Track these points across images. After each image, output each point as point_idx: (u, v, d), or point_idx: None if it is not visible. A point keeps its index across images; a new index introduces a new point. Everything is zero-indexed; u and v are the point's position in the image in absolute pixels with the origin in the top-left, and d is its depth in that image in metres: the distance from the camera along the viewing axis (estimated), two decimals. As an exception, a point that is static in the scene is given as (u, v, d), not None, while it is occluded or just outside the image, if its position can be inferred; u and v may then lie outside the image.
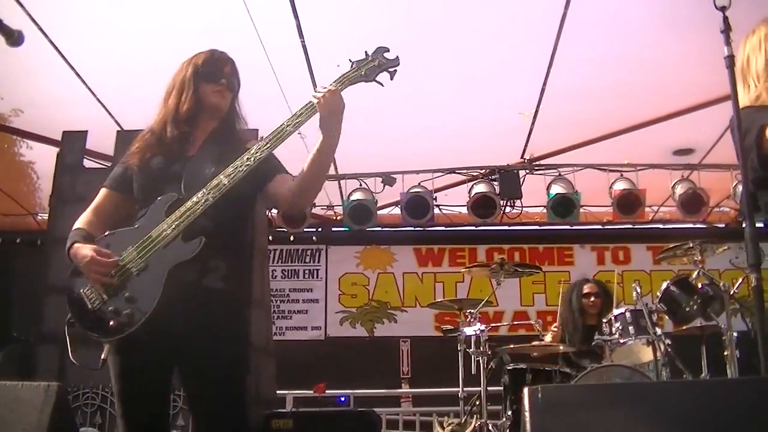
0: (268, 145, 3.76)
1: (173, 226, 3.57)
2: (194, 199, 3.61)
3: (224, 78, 4.00)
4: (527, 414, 2.58)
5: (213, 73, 3.99)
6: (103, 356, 3.63)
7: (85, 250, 3.63)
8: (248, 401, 3.91)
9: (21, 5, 7.54)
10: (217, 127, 4.05)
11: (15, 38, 3.32)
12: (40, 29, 7.92)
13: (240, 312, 3.85)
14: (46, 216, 10.32)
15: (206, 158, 3.85)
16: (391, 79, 3.97)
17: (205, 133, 4.02)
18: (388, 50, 3.98)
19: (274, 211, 11.46)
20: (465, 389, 7.82)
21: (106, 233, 3.79)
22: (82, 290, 3.63)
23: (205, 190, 3.62)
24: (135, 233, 3.67)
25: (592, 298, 8.28)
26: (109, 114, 9.14)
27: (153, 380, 3.62)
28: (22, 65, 8.11)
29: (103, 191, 4.05)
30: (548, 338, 8.45)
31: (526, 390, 2.63)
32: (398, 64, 3.96)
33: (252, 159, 3.70)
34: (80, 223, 3.92)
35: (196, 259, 3.55)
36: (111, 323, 3.52)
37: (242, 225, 4.02)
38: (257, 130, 8.45)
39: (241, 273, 3.91)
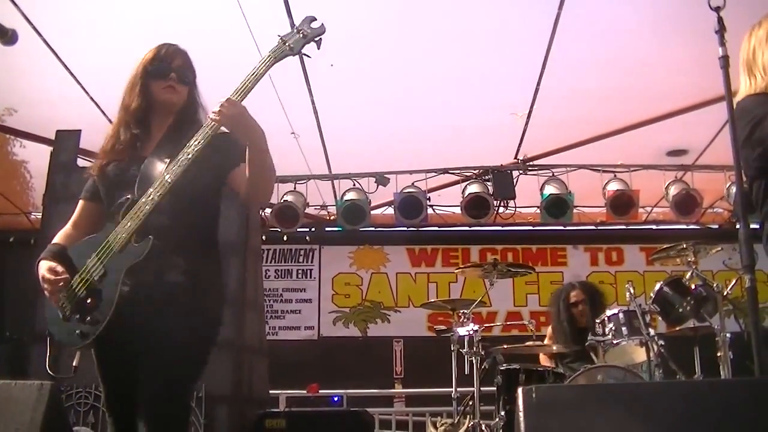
0: (199, 141, 3.63)
1: (126, 229, 3.57)
2: (142, 199, 3.59)
3: (173, 72, 3.93)
4: (521, 414, 2.58)
5: (161, 69, 3.92)
6: (74, 363, 3.68)
7: (41, 268, 3.70)
8: (189, 395, 4.00)
9: (15, 4, 7.53)
10: (171, 123, 4.00)
11: (9, 37, 3.33)
12: (34, 28, 7.91)
13: (200, 305, 3.73)
14: (39, 215, 10.32)
15: (161, 157, 3.78)
16: (318, 48, 3.89)
17: (162, 131, 3.97)
18: (314, 19, 3.90)
19: (267, 210, 11.45)
20: (458, 389, 7.83)
21: (79, 242, 3.84)
22: (59, 304, 3.67)
23: (151, 189, 3.59)
24: (98, 240, 3.69)
25: (580, 307, 8.26)
26: (103, 113, 9.09)
27: (129, 382, 3.60)
28: (15, 64, 8.10)
29: (80, 203, 4.09)
30: (546, 339, 8.47)
31: (520, 390, 2.63)
32: (323, 32, 3.87)
33: (190, 153, 3.62)
34: (58, 237, 3.98)
35: (150, 258, 3.54)
36: (77, 331, 3.58)
37: (203, 218, 3.93)
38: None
39: (203, 267, 3.82)
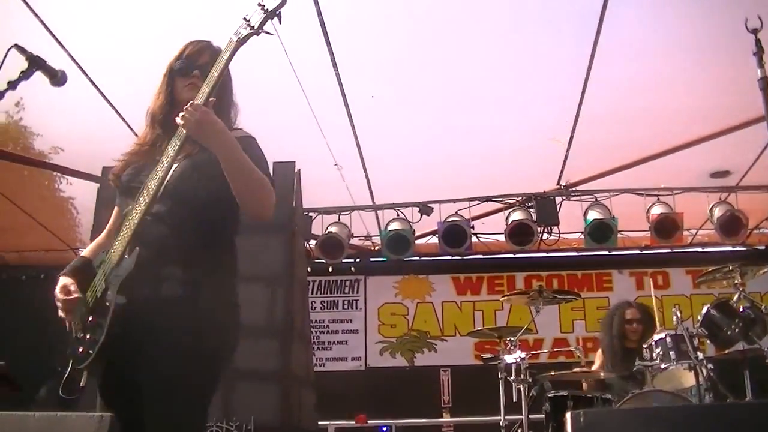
0: (176, 144, 3.49)
1: (120, 241, 3.45)
2: (134, 209, 3.46)
3: (197, 69, 3.77)
4: None
5: (185, 67, 3.79)
6: (81, 384, 3.54)
7: (57, 286, 3.58)
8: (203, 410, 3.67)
9: (60, 43, 7.66)
10: None
11: (58, 78, 3.39)
12: (79, 66, 8.03)
13: (204, 320, 3.45)
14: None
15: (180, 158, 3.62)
16: (280, 22, 3.58)
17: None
18: None
19: (312, 242, 11.50)
20: (506, 417, 7.79)
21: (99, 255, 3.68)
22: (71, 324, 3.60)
23: (140, 198, 3.45)
24: (106, 254, 3.57)
25: (635, 324, 8.22)
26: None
27: (128, 400, 3.37)
28: (60, 102, 8.20)
29: (114, 210, 3.89)
30: (596, 365, 8.43)
31: (568, 414, 2.62)
32: (284, 4, 3.52)
33: (167, 157, 3.48)
34: (89, 248, 3.87)
35: (143, 270, 3.38)
36: (80, 350, 3.46)
37: (208, 228, 3.62)
38: (293, 162, 8.56)
39: (207, 279, 3.55)
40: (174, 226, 3.51)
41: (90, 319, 3.44)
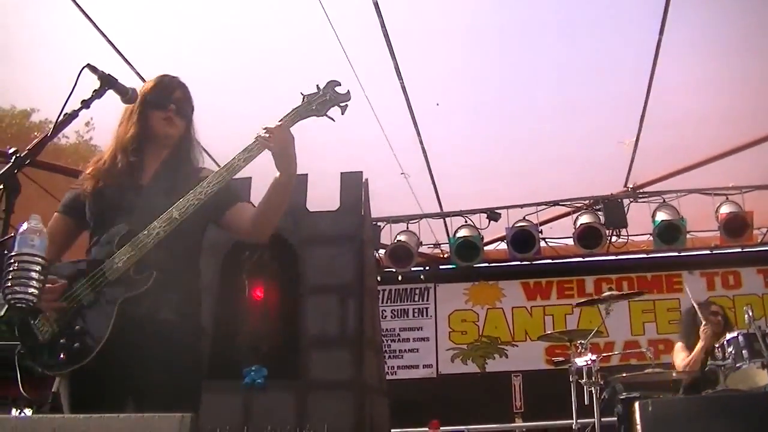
0: (219, 181, 3.61)
1: (124, 259, 3.48)
2: (145, 232, 3.51)
3: (173, 104, 3.86)
4: (639, 427, 2.60)
5: (160, 100, 3.84)
6: (54, 389, 3.54)
7: None
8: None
9: (127, 61, 7.82)
10: (168, 156, 3.92)
11: (129, 96, 3.48)
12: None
13: (193, 343, 3.73)
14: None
15: (159, 189, 3.73)
16: (342, 113, 3.80)
17: (157, 161, 3.90)
18: (339, 84, 3.81)
19: (381, 251, 11.57)
20: (579, 421, 7.79)
21: (58, 264, 3.69)
22: (32, 321, 3.48)
23: (156, 224, 3.52)
24: (86, 265, 3.60)
25: (719, 317, 8.15)
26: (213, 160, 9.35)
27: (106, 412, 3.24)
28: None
29: (55, 215, 3.91)
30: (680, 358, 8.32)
31: (636, 404, 2.65)
32: (349, 99, 3.80)
33: (203, 194, 3.58)
34: None
35: (148, 291, 3.48)
36: (62, 356, 3.42)
37: (193, 256, 3.90)
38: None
39: (192, 304, 3.80)
40: (173, 254, 3.61)
41: (76, 327, 3.46)
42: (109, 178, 3.78)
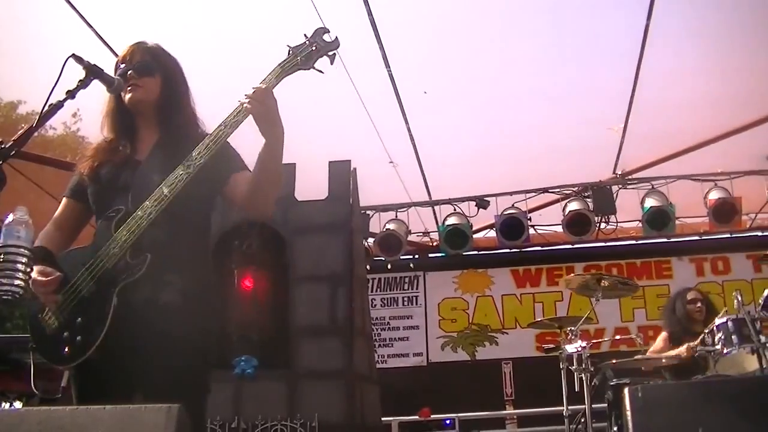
0: (206, 152, 3.42)
1: (120, 244, 3.34)
2: (139, 213, 3.36)
3: (131, 70, 3.62)
4: (629, 413, 2.60)
5: (122, 71, 3.61)
6: (63, 383, 3.44)
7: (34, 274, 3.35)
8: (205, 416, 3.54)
9: (116, 54, 7.77)
10: (160, 125, 3.74)
11: (115, 87, 3.44)
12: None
13: (200, 327, 3.48)
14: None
15: (154, 165, 3.58)
16: (331, 63, 3.61)
17: (152, 133, 3.74)
18: (327, 31, 3.61)
19: (371, 240, 11.57)
20: (569, 407, 7.80)
21: (66, 252, 3.62)
22: (39, 315, 3.44)
23: (148, 203, 3.36)
24: (87, 252, 3.47)
25: (698, 304, 8.15)
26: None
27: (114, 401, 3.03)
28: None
29: (63, 201, 3.82)
30: (658, 347, 8.34)
31: (626, 390, 2.64)
32: (338, 47, 3.59)
33: (191, 167, 3.41)
34: (39, 239, 3.62)
35: (147, 275, 3.32)
36: (65, 350, 3.34)
37: (198, 233, 3.70)
38: (349, 161, 8.62)
39: (200, 285, 3.57)
40: (170, 232, 3.45)
41: (78, 319, 3.35)
42: (105, 156, 3.67)
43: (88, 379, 3.43)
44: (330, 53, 3.59)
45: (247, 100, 3.39)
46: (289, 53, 3.55)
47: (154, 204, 3.35)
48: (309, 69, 3.56)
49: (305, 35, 3.57)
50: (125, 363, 3.26)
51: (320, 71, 3.59)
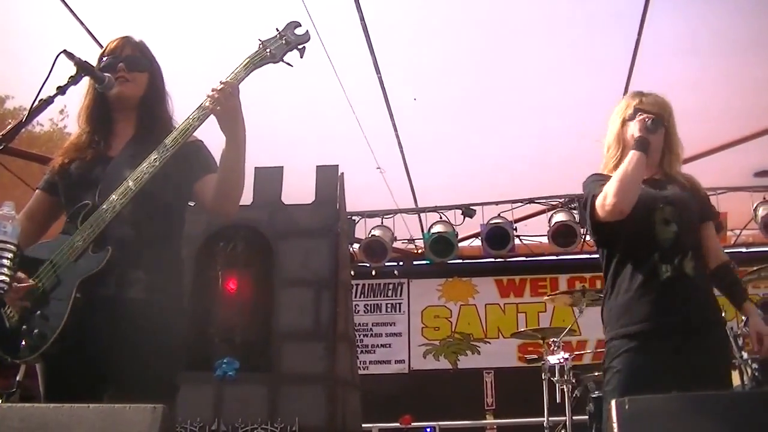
0: (173, 144, 3.39)
1: (84, 237, 3.31)
2: (104, 206, 3.33)
3: (122, 62, 3.60)
4: (615, 425, 2.58)
5: (110, 63, 3.59)
6: (18, 378, 3.38)
7: None
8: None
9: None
10: (137, 121, 3.71)
11: (105, 84, 3.42)
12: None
13: (167, 323, 3.41)
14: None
15: (126, 161, 3.52)
16: (301, 57, 3.58)
17: (128, 129, 3.70)
18: (299, 25, 3.60)
19: (356, 246, 11.56)
20: (550, 419, 7.82)
21: (33, 246, 3.51)
22: (2, 309, 3.28)
23: (114, 196, 3.33)
24: (54, 245, 3.41)
25: None
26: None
27: (76, 396, 2.99)
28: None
29: (36, 193, 3.77)
30: None
31: (613, 402, 2.63)
32: (308, 40, 3.56)
33: (158, 160, 3.36)
34: None
35: (109, 270, 3.29)
36: (23, 343, 3.26)
37: (167, 230, 3.64)
38: (337, 165, 8.62)
39: (168, 281, 3.53)
40: (137, 228, 3.43)
41: (37, 312, 3.27)
42: (77, 152, 3.63)
43: (53, 374, 3.41)
44: (300, 47, 3.57)
45: (209, 99, 3.36)
46: (259, 46, 3.53)
47: (120, 197, 3.33)
48: (278, 62, 3.55)
49: (276, 29, 3.55)
50: (90, 358, 3.22)
51: (289, 64, 3.57)
